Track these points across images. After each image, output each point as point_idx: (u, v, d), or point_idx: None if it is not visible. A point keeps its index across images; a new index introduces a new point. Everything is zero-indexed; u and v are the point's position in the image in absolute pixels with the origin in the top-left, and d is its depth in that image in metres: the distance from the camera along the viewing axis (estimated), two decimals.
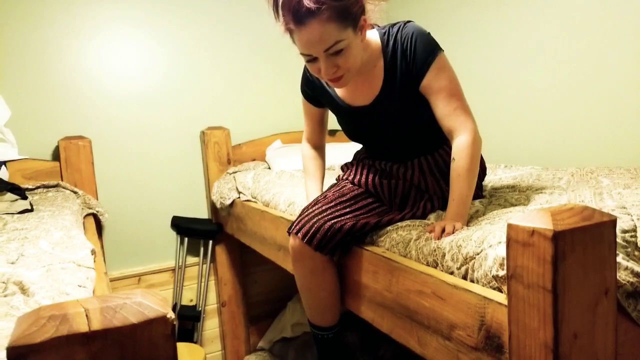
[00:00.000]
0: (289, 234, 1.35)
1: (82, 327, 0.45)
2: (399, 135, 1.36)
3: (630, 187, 1.22)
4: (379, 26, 1.33)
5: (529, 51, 2.10)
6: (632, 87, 1.73)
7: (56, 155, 2.27)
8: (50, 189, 2.12)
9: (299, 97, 2.97)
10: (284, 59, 2.77)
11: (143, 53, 2.47)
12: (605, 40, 1.80)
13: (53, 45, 2.29)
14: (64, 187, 2.14)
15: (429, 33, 1.26)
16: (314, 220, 1.29)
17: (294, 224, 1.34)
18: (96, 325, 0.46)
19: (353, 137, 1.46)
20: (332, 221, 1.27)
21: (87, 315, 0.46)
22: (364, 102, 1.34)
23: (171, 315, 0.48)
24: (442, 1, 2.54)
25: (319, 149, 1.62)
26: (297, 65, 2.78)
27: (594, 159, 1.88)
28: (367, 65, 1.29)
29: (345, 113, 1.40)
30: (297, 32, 1.14)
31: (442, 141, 1.35)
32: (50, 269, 1.01)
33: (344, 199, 1.36)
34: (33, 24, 2.24)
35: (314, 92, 1.48)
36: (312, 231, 1.27)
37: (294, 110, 2.85)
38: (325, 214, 1.31)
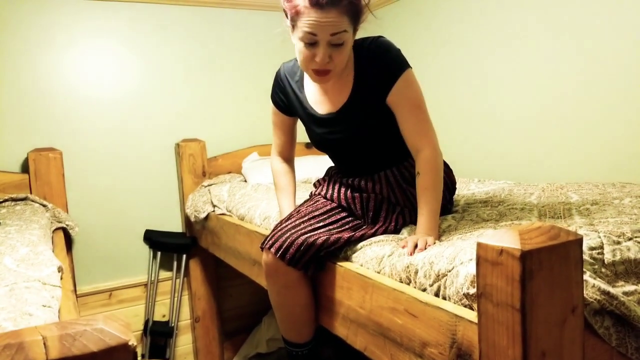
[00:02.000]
0: (262, 249, 1.34)
1: (39, 356, 0.44)
2: (363, 146, 1.37)
3: (598, 203, 1.25)
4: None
5: (503, 68, 2.15)
6: (601, 104, 1.79)
7: (25, 168, 2.21)
8: (18, 202, 2.06)
9: None
10: (260, 72, 2.78)
11: (117, 64, 2.44)
12: (575, 59, 1.86)
13: (25, 55, 2.24)
14: (32, 200, 2.08)
15: (399, 49, 1.29)
16: (287, 234, 1.28)
17: (267, 239, 1.33)
18: (54, 354, 0.44)
19: (319, 146, 1.47)
20: (305, 235, 1.27)
21: (44, 344, 0.45)
22: (331, 110, 1.35)
23: (133, 342, 0.47)
24: (416, 17, 2.59)
25: (289, 161, 1.61)
26: (273, 77, 2.79)
27: (564, 173, 1.92)
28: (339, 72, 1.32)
29: (313, 119, 1.41)
30: (311, 13, 1.15)
31: (407, 154, 1.37)
32: (13, 288, 0.97)
33: (317, 213, 1.36)
34: (5, 34, 2.20)
35: (285, 96, 1.48)
36: (285, 246, 1.27)
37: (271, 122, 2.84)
38: (298, 228, 1.30)
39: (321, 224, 1.33)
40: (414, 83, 1.28)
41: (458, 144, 2.40)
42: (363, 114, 1.32)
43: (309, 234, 1.27)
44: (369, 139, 1.35)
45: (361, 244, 1.25)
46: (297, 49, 1.24)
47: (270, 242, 1.31)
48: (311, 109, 1.39)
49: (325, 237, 1.26)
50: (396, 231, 1.31)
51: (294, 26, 1.21)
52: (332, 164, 1.57)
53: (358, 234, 1.28)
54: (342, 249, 1.29)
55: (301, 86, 1.41)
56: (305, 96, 1.41)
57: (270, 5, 2.76)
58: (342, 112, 1.34)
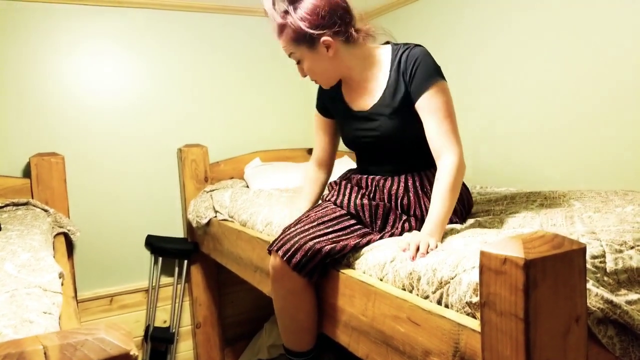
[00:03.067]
0: (269, 252, 1.35)
1: None
2: (389, 147, 1.42)
3: (600, 210, 1.25)
4: (394, 43, 1.45)
5: (504, 76, 2.16)
6: (604, 113, 1.78)
7: (27, 172, 2.22)
8: (19, 207, 2.06)
9: (279, 114, 2.99)
10: (264, 77, 2.78)
11: (120, 69, 2.45)
12: (580, 65, 1.86)
13: (28, 59, 2.25)
14: (34, 205, 2.08)
15: (434, 60, 1.36)
16: (296, 239, 1.29)
17: (275, 242, 1.34)
18: None
19: (350, 144, 1.53)
20: (313, 241, 1.27)
21: (45, 353, 0.44)
22: (364, 108, 1.43)
23: (134, 352, 0.47)
24: (421, 24, 2.60)
25: (326, 166, 1.63)
26: (277, 83, 2.80)
27: (567, 181, 1.92)
28: (369, 74, 1.42)
29: (346, 115, 1.49)
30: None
31: (431, 163, 1.38)
32: (14, 294, 0.97)
33: (326, 219, 1.36)
34: (8, 38, 2.21)
35: (326, 98, 1.57)
36: (292, 250, 1.28)
37: (274, 128, 2.85)
38: (306, 233, 1.31)
39: (330, 229, 1.33)
40: (446, 93, 1.32)
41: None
42: (391, 114, 1.37)
43: (316, 240, 1.28)
44: (396, 141, 1.40)
45: (363, 250, 1.25)
46: None
47: (278, 244, 1.31)
48: (345, 104, 1.49)
49: (332, 245, 1.26)
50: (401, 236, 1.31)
51: None
52: (348, 169, 1.61)
53: (364, 240, 1.28)
54: (346, 256, 1.29)
55: (339, 87, 1.51)
56: (342, 95, 1.50)
57: None
58: (372, 110, 1.42)
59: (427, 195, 1.38)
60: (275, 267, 1.33)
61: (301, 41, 1.38)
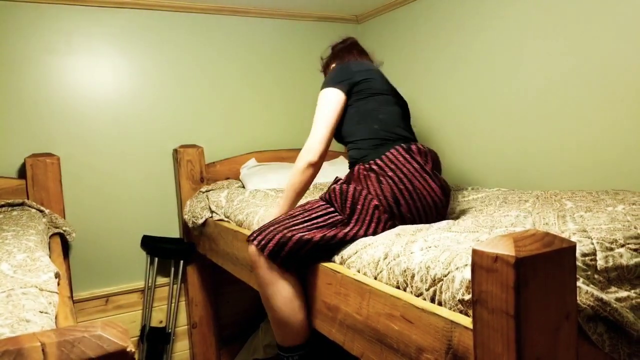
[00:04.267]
0: (247, 241, 1.45)
1: None
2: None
3: (591, 210, 1.26)
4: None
5: (495, 78, 2.17)
6: (595, 113, 1.80)
7: (22, 173, 2.21)
8: (15, 208, 2.05)
9: (275, 115, 2.99)
10: (260, 78, 2.79)
11: (115, 70, 2.45)
12: (571, 67, 1.88)
13: (23, 60, 2.25)
14: (29, 206, 2.08)
15: (339, 73, 1.61)
16: (270, 229, 1.40)
17: (253, 233, 1.44)
18: None
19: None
20: (285, 231, 1.36)
21: (43, 350, 0.45)
22: None
23: (131, 349, 0.47)
24: (419, 25, 2.61)
25: (320, 166, 1.62)
26: (272, 83, 2.81)
27: (558, 181, 1.94)
28: None
29: None
30: None
31: (360, 159, 1.51)
32: (10, 294, 0.97)
33: (305, 209, 1.45)
34: (3, 38, 2.20)
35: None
36: (265, 239, 1.38)
37: (269, 128, 2.85)
38: (281, 224, 1.40)
39: (306, 218, 1.40)
40: (322, 99, 1.59)
41: (452, 151, 2.42)
42: None
43: (288, 230, 1.37)
44: (338, 139, 1.68)
45: (355, 248, 1.27)
46: None
47: (254, 235, 1.41)
48: None
49: (300, 235, 1.34)
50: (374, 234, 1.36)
51: None
52: None
53: (330, 233, 1.34)
54: (328, 249, 1.34)
55: None
56: None
57: (273, 13, 2.78)
58: None
59: (354, 182, 1.46)
60: (251, 256, 1.42)
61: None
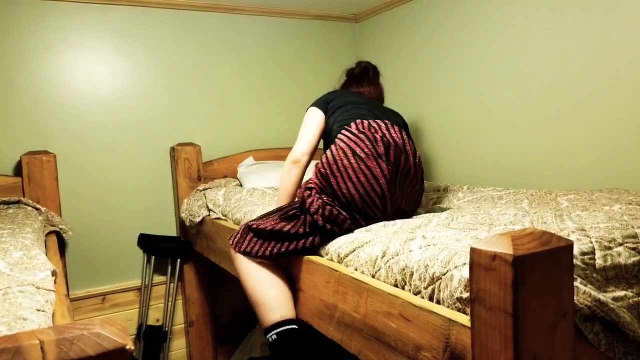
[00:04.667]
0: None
1: None
2: None
3: (588, 209, 1.27)
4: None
5: (496, 77, 2.18)
6: (592, 113, 1.81)
7: (18, 171, 2.20)
8: (11, 206, 2.05)
9: (272, 114, 2.99)
10: (256, 76, 2.78)
11: (112, 67, 2.44)
12: (566, 67, 1.88)
13: (19, 57, 2.24)
14: (25, 204, 2.07)
15: (323, 95, 1.78)
16: (244, 226, 1.56)
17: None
18: (51, 358, 0.45)
19: None
20: (248, 223, 1.54)
21: (42, 348, 0.45)
22: None
23: (130, 346, 0.47)
24: (417, 24, 2.61)
25: (304, 164, 1.72)
26: (270, 81, 2.81)
27: (555, 182, 1.94)
28: None
29: None
30: None
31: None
32: (7, 292, 0.97)
33: (280, 206, 1.59)
34: (0, 36, 2.19)
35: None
36: (234, 235, 1.57)
37: (267, 127, 2.85)
38: (252, 219, 1.55)
39: (274, 212, 1.53)
40: (305, 117, 1.75)
41: (449, 151, 2.42)
42: None
43: (252, 221, 1.52)
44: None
45: (352, 246, 1.27)
46: None
47: (233, 234, 1.58)
48: None
49: (254, 223, 1.50)
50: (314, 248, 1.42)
51: None
52: None
53: (281, 224, 1.46)
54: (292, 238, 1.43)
55: None
56: None
57: (270, 11, 2.77)
58: None
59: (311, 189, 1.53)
60: (229, 253, 1.60)
61: None
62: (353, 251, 1.26)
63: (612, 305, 0.84)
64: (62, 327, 0.48)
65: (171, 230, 2.60)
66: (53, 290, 1.05)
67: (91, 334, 0.47)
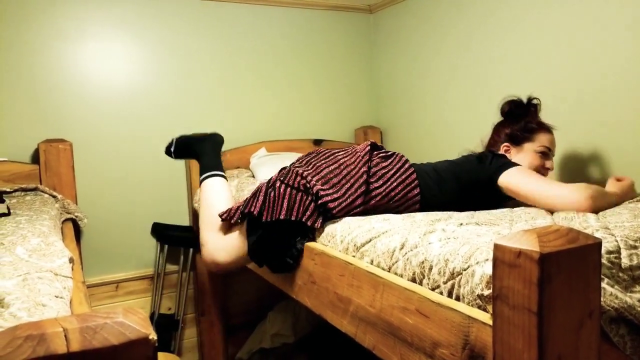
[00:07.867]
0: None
1: (61, 348, 0.44)
2: None
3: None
4: None
5: (516, 70, 2.14)
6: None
7: (35, 158, 2.22)
8: (28, 193, 2.06)
9: (285, 105, 2.98)
10: (269, 67, 2.77)
11: (129, 56, 2.44)
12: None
13: (36, 46, 2.25)
14: (42, 191, 2.09)
15: None
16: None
17: None
18: (75, 346, 0.44)
19: None
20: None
21: (65, 336, 0.45)
22: None
23: (153, 336, 0.47)
24: (434, 16, 2.57)
25: None
26: (283, 73, 2.79)
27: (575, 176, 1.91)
28: None
29: None
30: (547, 133, 1.69)
31: None
32: (26, 277, 0.97)
33: None
34: (16, 24, 2.20)
35: None
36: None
37: (280, 118, 2.84)
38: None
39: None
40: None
41: (462, 144, 2.39)
42: None
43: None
44: None
45: (369, 236, 1.25)
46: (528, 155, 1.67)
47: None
48: None
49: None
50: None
51: (530, 137, 1.68)
52: None
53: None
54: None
55: None
56: None
57: (285, 2, 2.75)
58: None
59: None
60: None
61: None
62: (369, 241, 1.24)
63: (639, 308, 0.82)
64: (85, 315, 0.48)
65: (184, 220, 2.61)
66: (70, 277, 1.06)
67: (115, 322, 0.47)
